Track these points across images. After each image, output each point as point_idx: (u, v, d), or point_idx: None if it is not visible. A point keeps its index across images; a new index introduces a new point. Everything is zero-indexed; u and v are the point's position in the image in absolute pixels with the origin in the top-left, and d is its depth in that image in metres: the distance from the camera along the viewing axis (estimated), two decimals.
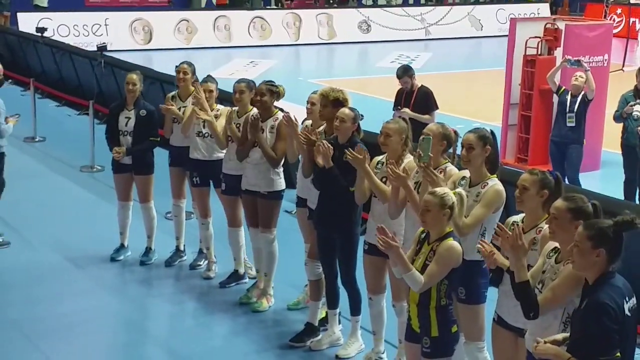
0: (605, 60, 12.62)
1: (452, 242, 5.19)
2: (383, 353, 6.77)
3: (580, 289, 4.44)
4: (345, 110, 6.64)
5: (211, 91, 8.17)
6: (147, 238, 8.88)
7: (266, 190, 7.60)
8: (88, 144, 12.28)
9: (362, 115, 6.76)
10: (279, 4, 29.47)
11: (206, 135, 8.21)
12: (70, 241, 9.42)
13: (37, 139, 13.82)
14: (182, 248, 8.89)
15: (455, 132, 6.10)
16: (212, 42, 24.61)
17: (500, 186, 5.68)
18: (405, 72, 10.34)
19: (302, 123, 7.59)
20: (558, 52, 12.44)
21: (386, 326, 6.74)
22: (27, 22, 22.11)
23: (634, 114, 9.96)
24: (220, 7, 27.72)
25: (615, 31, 17.09)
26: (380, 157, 6.43)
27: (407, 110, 10.14)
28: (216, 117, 7.99)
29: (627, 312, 4.14)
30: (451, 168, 5.99)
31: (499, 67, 14.31)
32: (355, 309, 6.94)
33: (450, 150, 6.12)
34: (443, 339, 5.25)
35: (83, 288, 8.39)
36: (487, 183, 5.70)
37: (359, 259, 6.73)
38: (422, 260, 5.23)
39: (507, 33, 13.41)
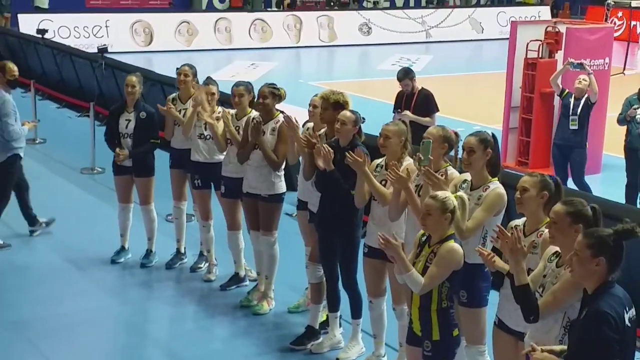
0: (606, 63, 12.62)
1: (453, 244, 5.19)
2: (384, 356, 6.76)
3: (581, 294, 4.44)
4: (347, 113, 6.64)
5: (212, 93, 8.16)
6: (147, 240, 8.88)
7: (267, 193, 7.59)
8: (89, 145, 12.27)
9: (363, 118, 6.75)
10: (281, 6, 29.47)
11: (207, 137, 8.20)
12: (71, 243, 9.41)
13: (37, 141, 13.81)
14: (182, 250, 8.88)
15: (456, 133, 6.10)
16: (212, 44, 24.62)
17: (501, 189, 5.68)
18: (406, 75, 10.34)
19: (303, 125, 7.59)
20: (559, 55, 12.44)
21: (387, 329, 6.73)
22: (27, 23, 22.13)
23: (637, 117, 9.96)
24: (234, 9, 27.72)
25: (616, 34, 17.08)
26: (379, 160, 6.42)
27: (407, 112, 10.14)
28: (217, 119, 7.99)
29: (627, 322, 4.11)
30: (452, 171, 5.99)
31: (500, 70, 14.31)
32: (356, 312, 6.93)
33: (452, 153, 6.11)
34: (444, 342, 5.24)
35: (83, 290, 8.38)
36: (489, 186, 5.70)
37: (360, 262, 6.73)
38: (423, 262, 5.22)
39: (508, 36, 13.41)
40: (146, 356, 7.33)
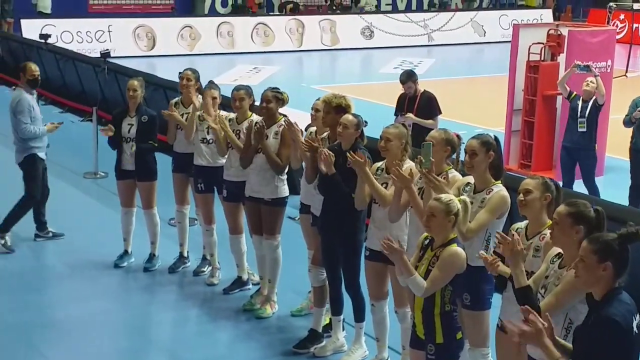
0: (609, 66, 12.62)
1: (456, 248, 5.19)
2: (387, 359, 6.76)
3: (582, 295, 4.43)
4: (348, 116, 6.64)
5: (214, 97, 8.17)
6: (150, 244, 8.88)
7: (270, 197, 7.59)
8: (91, 150, 12.29)
9: (365, 122, 6.76)
10: (283, 10, 29.50)
11: (210, 141, 8.21)
12: (74, 247, 9.42)
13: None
14: (185, 254, 8.89)
15: (458, 136, 6.10)
16: (215, 48, 24.65)
17: (505, 192, 5.68)
18: (409, 78, 10.36)
19: (306, 129, 7.60)
20: (561, 58, 12.44)
21: (389, 332, 6.72)
22: (30, 28, 22.18)
23: None
24: (237, 13, 27.77)
25: (618, 37, 17.09)
26: (380, 163, 6.42)
27: (411, 115, 10.15)
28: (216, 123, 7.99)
29: (635, 329, 4.09)
30: (454, 174, 5.99)
31: (502, 73, 14.31)
32: (359, 316, 6.93)
33: (454, 156, 6.12)
34: (448, 345, 5.24)
35: (86, 294, 8.39)
36: (492, 189, 5.70)
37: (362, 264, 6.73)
38: (426, 266, 5.22)
39: (510, 39, 13.42)
40: None
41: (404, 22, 27.39)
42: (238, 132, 7.81)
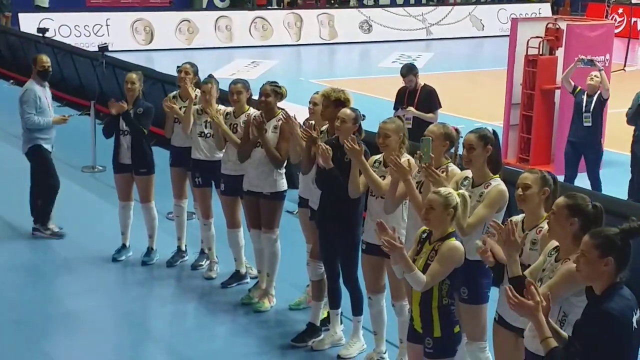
0: (607, 60, 12.60)
1: (454, 242, 5.19)
2: (385, 353, 6.76)
3: (577, 288, 4.44)
4: (346, 110, 6.64)
5: (212, 91, 8.14)
6: (148, 238, 8.88)
7: (269, 191, 7.59)
8: (89, 144, 12.28)
9: (363, 116, 6.75)
10: (281, 4, 29.46)
11: (208, 135, 8.21)
12: (72, 241, 9.42)
13: None
14: (183, 248, 8.89)
15: (456, 130, 6.10)
16: (213, 42, 24.62)
17: (503, 186, 5.68)
18: (410, 71, 10.36)
19: (304, 124, 7.59)
20: (560, 52, 12.43)
21: (387, 326, 6.73)
22: (28, 22, 22.13)
23: None
24: (260, 7, 27.73)
25: (616, 31, 17.07)
26: (378, 156, 6.42)
27: (412, 109, 10.16)
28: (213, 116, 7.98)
29: (635, 324, 4.09)
30: (453, 168, 5.99)
31: (501, 67, 14.30)
32: (357, 309, 6.94)
33: (452, 150, 6.11)
34: (446, 339, 5.24)
35: (84, 288, 8.39)
36: (490, 183, 5.70)
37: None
38: (424, 260, 5.23)
39: (508, 33, 13.42)
40: (148, 354, 7.34)
41: (403, 16, 27.35)
42: (235, 125, 7.81)
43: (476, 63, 23.85)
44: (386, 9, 27.98)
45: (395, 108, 10.47)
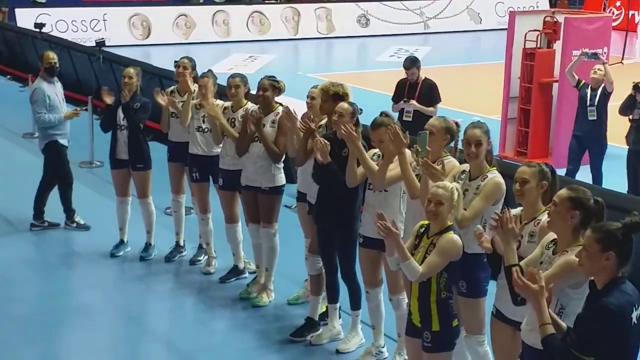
0: (605, 53, 12.59)
1: (453, 236, 5.20)
2: (383, 347, 6.76)
3: (573, 280, 4.45)
4: (344, 104, 6.63)
5: (209, 85, 8.13)
6: (146, 234, 8.88)
7: (267, 185, 7.59)
8: (87, 139, 12.26)
9: (361, 110, 6.74)
10: None
11: (206, 130, 8.20)
12: (70, 237, 9.42)
13: (36, 135, 13.72)
14: (181, 243, 8.88)
15: (456, 123, 6.09)
16: (210, 37, 24.57)
17: (500, 178, 5.68)
18: (413, 64, 10.37)
19: (302, 118, 7.58)
20: (557, 45, 12.42)
21: (386, 320, 6.73)
22: (25, 17, 22.08)
23: None
24: (233, 2, 27.64)
25: (614, 24, 17.06)
26: (376, 149, 6.41)
27: (414, 102, 10.16)
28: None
29: (634, 319, 4.08)
30: (450, 161, 5.97)
31: (498, 61, 14.28)
32: (355, 304, 6.94)
33: (451, 145, 6.10)
34: (444, 333, 5.25)
35: (83, 284, 8.39)
36: (487, 176, 5.70)
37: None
38: (422, 253, 5.22)
39: (506, 26, 13.38)
40: (146, 349, 7.34)
41: (400, 9, 27.30)
42: (233, 120, 7.79)
43: (474, 56, 23.83)
44: (384, 2, 27.91)
45: (395, 99, 10.46)
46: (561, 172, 7.11)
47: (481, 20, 28.01)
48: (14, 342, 7.15)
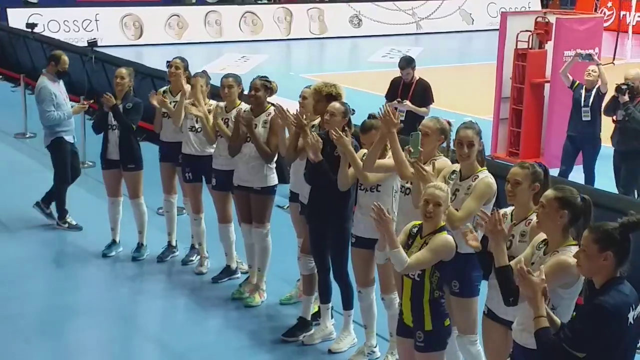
0: (596, 53, 12.62)
1: (447, 236, 5.22)
2: (375, 347, 6.77)
3: (564, 280, 4.47)
4: (336, 104, 6.64)
5: (202, 86, 8.14)
6: (138, 234, 8.87)
7: (259, 186, 7.59)
8: (79, 140, 12.22)
9: (353, 110, 6.76)
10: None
11: (199, 130, 8.19)
12: (62, 236, 9.41)
13: (27, 135, 13.79)
14: (174, 244, 8.88)
15: (449, 123, 6.11)
16: (203, 37, 24.56)
17: (491, 178, 5.69)
18: (408, 64, 10.39)
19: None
20: (549, 46, 12.45)
21: (378, 319, 6.74)
22: (17, 17, 22.03)
23: None
24: (226, 2, 27.61)
25: (605, 24, 17.09)
26: (366, 150, 6.43)
27: (408, 103, 10.18)
28: (209, 112, 7.98)
29: (630, 319, 4.09)
30: (441, 160, 5.98)
31: (490, 61, 14.31)
32: (347, 303, 6.94)
33: (444, 145, 6.11)
34: (437, 332, 5.26)
35: (75, 284, 8.38)
36: (478, 176, 5.71)
37: None
38: (415, 253, 5.22)
39: (498, 27, 13.41)
40: (138, 349, 7.33)
41: (392, 10, 27.32)
42: (227, 120, 7.80)
43: (466, 57, 23.87)
44: (376, 3, 27.93)
45: (388, 97, 10.48)
46: (553, 172, 7.11)
47: (473, 20, 28.05)
48: (6, 341, 7.14)
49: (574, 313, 4.47)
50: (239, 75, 8.04)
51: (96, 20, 23.53)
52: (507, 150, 12.81)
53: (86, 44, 15.08)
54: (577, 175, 10.57)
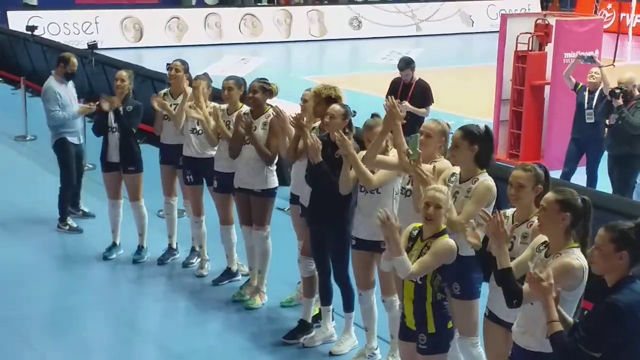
0: (596, 55, 12.62)
1: (448, 239, 5.22)
2: (376, 349, 6.77)
3: (568, 282, 4.46)
4: (336, 106, 6.64)
5: (204, 88, 8.14)
6: (138, 236, 8.87)
7: (260, 188, 7.59)
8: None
9: (354, 112, 6.76)
10: (274, 1, 29.40)
11: (200, 132, 8.19)
12: (63, 239, 9.41)
13: (28, 138, 13.80)
14: (174, 246, 8.88)
15: (448, 125, 6.13)
16: (202, 39, 24.58)
17: (490, 181, 5.68)
18: (407, 65, 10.41)
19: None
20: (549, 48, 12.46)
21: (378, 322, 6.74)
22: (17, 20, 22.05)
23: None
24: (224, 4, 27.66)
25: (605, 26, 17.11)
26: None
27: (407, 104, 10.18)
28: (210, 114, 7.98)
29: None
30: (441, 162, 5.98)
31: (490, 63, 14.32)
32: (348, 306, 6.94)
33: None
34: (440, 335, 5.25)
35: (75, 286, 8.38)
36: (477, 179, 5.70)
37: None
38: (416, 257, 5.22)
39: (498, 29, 13.42)
40: (139, 351, 7.33)
41: (392, 12, 27.34)
42: (228, 122, 7.80)
43: (466, 59, 23.87)
44: (376, 5, 27.96)
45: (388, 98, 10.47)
46: (553, 174, 7.12)
47: (473, 22, 28.07)
48: (7, 343, 7.13)
49: (585, 312, 4.47)
50: (241, 77, 8.03)
51: (96, 23, 23.55)
52: (507, 152, 12.82)
53: (86, 47, 15.07)
54: (579, 177, 10.58)
